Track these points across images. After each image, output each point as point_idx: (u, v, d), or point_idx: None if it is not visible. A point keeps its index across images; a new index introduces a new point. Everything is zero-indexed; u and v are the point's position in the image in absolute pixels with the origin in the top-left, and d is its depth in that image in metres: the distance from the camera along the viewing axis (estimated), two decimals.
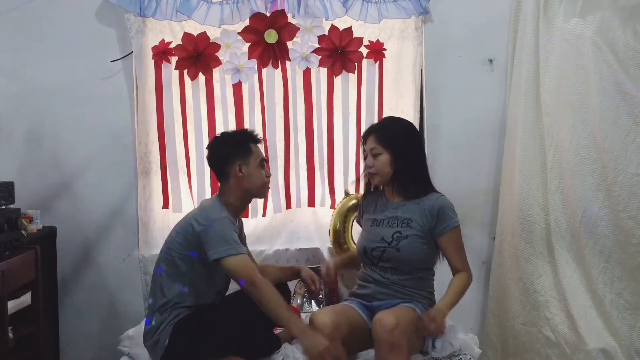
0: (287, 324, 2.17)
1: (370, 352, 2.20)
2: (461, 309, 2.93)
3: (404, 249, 2.27)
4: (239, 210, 2.38)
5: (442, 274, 2.38)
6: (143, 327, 2.31)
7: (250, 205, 2.88)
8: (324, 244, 2.96)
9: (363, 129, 2.94)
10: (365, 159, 2.38)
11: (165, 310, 2.22)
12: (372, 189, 2.46)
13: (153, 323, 2.23)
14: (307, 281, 2.48)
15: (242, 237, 2.46)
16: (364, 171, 2.44)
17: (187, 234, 2.22)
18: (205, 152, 2.42)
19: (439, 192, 2.33)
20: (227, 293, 2.48)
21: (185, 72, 2.85)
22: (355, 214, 2.84)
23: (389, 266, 2.31)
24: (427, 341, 2.25)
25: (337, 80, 2.94)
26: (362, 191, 2.89)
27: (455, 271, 2.31)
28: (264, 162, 2.37)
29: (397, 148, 2.29)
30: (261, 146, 2.40)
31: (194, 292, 2.23)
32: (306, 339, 2.11)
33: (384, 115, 2.95)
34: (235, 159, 2.29)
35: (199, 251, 2.19)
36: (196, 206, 2.59)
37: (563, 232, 2.62)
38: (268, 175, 2.39)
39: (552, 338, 2.62)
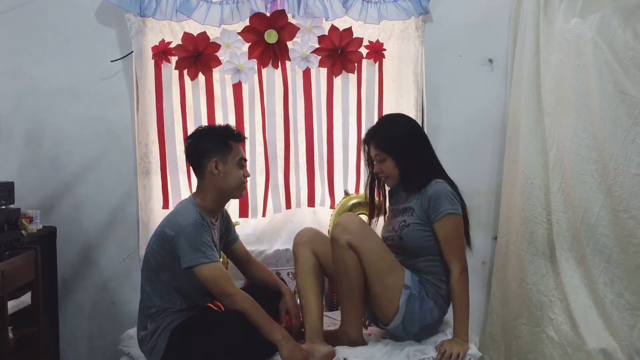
0: (268, 332, 2.13)
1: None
2: None
3: (405, 237, 2.28)
4: (215, 211, 2.29)
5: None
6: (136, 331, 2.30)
7: (250, 205, 2.90)
8: None
9: (363, 129, 2.95)
10: (368, 164, 2.41)
11: (157, 316, 2.19)
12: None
13: (147, 329, 2.20)
14: (282, 314, 2.36)
15: (229, 233, 2.42)
16: (368, 177, 2.46)
17: (162, 241, 2.17)
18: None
19: (441, 180, 2.29)
20: None
21: (185, 72, 2.85)
22: (356, 213, 2.84)
23: (398, 253, 2.33)
24: (401, 306, 2.21)
25: (337, 81, 2.94)
26: (361, 191, 2.90)
27: (448, 265, 2.26)
28: (242, 162, 2.29)
29: (398, 150, 2.30)
30: (243, 145, 2.34)
31: (181, 296, 2.20)
32: (287, 348, 2.12)
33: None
34: (213, 154, 2.22)
35: (175, 257, 2.14)
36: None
37: (564, 232, 2.62)
38: (246, 176, 2.31)
39: (556, 338, 2.61)
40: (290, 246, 2.91)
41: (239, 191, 2.31)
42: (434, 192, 2.25)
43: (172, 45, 2.83)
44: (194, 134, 2.33)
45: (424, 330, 2.28)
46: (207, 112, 2.89)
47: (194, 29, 2.83)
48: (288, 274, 2.89)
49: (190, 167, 2.41)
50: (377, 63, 2.94)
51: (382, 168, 2.33)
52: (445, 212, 2.22)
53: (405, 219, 2.30)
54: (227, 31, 2.83)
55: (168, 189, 2.87)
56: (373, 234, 2.32)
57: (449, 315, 2.47)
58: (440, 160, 2.96)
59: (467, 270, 2.26)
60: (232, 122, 2.87)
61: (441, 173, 2.35)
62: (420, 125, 2.95)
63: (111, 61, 2.87)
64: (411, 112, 2.95)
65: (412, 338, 2.27)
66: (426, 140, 2.39)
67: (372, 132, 2.40)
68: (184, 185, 2.89)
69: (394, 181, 2.36)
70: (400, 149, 2.30)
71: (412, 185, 2.31)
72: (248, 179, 2.35)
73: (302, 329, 2.39)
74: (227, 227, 2.44)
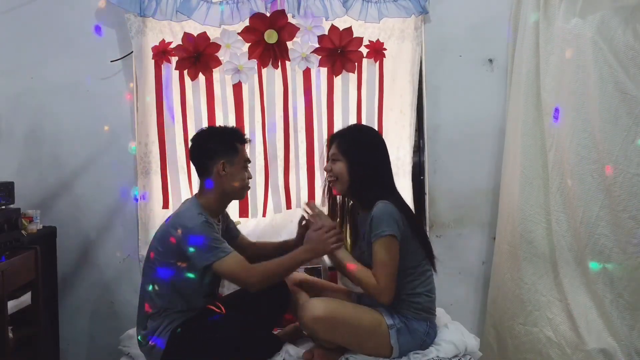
0: (299, 263, 2.23)
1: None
2: (461, 309, 2.96)
3: (365, 263, 2.25)
4: (218, 211, 2.32)
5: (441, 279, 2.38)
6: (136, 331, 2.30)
7: (250, 205, 2.90)
8: None
9: None
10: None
11: (157, 316, 2.20)
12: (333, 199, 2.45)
13: (147, 329, 2.21)
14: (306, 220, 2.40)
15: (230, 229, 2.44)
16: (326, 180, 2.42)
17: (167, 242, 2.17)
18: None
19: (386, 201, 2.21)
20: (225, 295, 2.48)
21: (185, 72, 2.86)
22: None
23: None
24: (394, 345, 2.20)
25: (337, 80, 2.94)
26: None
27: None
28: (247, 164, 2.33)
29: (354, 157, 2.28)
30: (247, 147, 2.36)
31: (182, 298, 2.21)
32: (314, 250, 2.23)
33: (384, 115, 2.96)
34: (220, 156, 2.24)
35: (180, 259, 2.15)
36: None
37: (564, 232, 2.62)
38: (249, 178, 2.35)
39: (553, 338, 2.61)
40: None
41: (242, 192, 2.34)
42: (375, 213, 2.19)
43: (172, 46, 2.83)
44: (199, 134, 2.34)
45: (423, 344, 2.26)
46: (207, 112, 2.89)
47: (194, 29, 2.83)
48: None
49: (193, 168, 2.41)
50: (378, 63, 2.94)
51: (333, 168, 2.31)
52: (378, 235, 2.16)
53: (361, 245, 2.31)
54: (227, 31, 2.83)
55: (168, 189, 2.87)
56: (338, 312, 2.18)
57: (446, 317, 2.48)
58: (439, 160, 2.98)
59: (384, 295, 2.16)
60: (232, 122, 2.88)
61: (391, 194, 2.29)
62: (420, 124, 2.97)
63: (111, 61, 2.87)
64: (408, 112, 2.96)
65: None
66: (386, 161, 2.34)
67: (339, 132, 2.41)
68: (184, 185, 2.89)
69: (341, 188, 2.32)
70: (355, 156, 2.28)
71: (361, 200, 2.30)
72: (250, 180, 2.38)
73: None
74: (227, 226, 2.45)
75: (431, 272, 2.32)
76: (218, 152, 2.24)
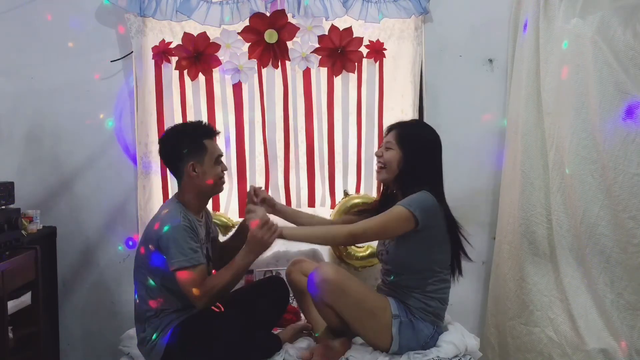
0: (248, 263, 2.18)
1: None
2: (461, 309, 2.96)
3: (390, 251, 2.29)
4: (200, 207, 2.30)
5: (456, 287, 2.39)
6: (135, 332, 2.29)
7: None
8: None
9: (363, 129, 2.96)
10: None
11: (155, 318, 2.19)
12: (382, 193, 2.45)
13: (146, 331, 2.20)
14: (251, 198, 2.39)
15: (210, 231, 2.42)
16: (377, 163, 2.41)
17: (149, 244, 2.16)
18: (157, 146, 2.32)
19: (429, 192, 2.22)
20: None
21: (185, 72, 2.86)
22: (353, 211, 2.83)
23: (387, 268, 2.34)
24: (394, 336, 2.20)
25: (337, 80, 2.94)
26: (362, 191, 2.90)
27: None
28: (220, 158, 2.28)
29: (409, 149, 2.27)
30: (219, 139, 2.32)
31: (175, 297, 2.19)
32: (256, 244, 2.19)
33: (384, 115, 2.96)
34: (189, 157, 2.20)
35: (163, 260, 2.14)
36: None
37: (564, 232, 2.62)
38: (224, 170, 2.30)
39: (555, 338, 2.61)
40: (289, 247, 2.93)
41: (219, 187, 2.31)
42: (415, 194, 2.21)
43: (172, 45, 2.83)
44: (165, 136, 2.30)
45: (425, 346, 2.25)
46: (207, 112, 2.89)
47: (194, 29, 2.83)
48: None
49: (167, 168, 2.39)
50: (377, 63, 2.94)
51: (384, 154, 2.30)
52: (398, 205, 2.19)
53: (384, 241, 2.32)
54: (227, 31, 2.83)
55: (168, 189, 2.87)
56: (348, 282, 2.22)
57: (446, 317, 2.48)
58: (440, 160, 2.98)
59: (353, 237, 2.25)
60: (232, 122, 2.88)
61: (437, 195, 2.27)
62: None
63: (111, 61, 2.87)
64: (409, 112, 2.96)
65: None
66: (439, 164, 2.33)
67: (401, 122, 2.41)
68: None
69: (387, 177, 2.31)
70: (410, 148, 2.27)
71: (406, 194, 2.26)
72: (225, 172, 2.34)
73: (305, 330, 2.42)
74: (209, 226, 2.43)
75: (449, 285, 2.32)
76: (186, 154, 2.20)
